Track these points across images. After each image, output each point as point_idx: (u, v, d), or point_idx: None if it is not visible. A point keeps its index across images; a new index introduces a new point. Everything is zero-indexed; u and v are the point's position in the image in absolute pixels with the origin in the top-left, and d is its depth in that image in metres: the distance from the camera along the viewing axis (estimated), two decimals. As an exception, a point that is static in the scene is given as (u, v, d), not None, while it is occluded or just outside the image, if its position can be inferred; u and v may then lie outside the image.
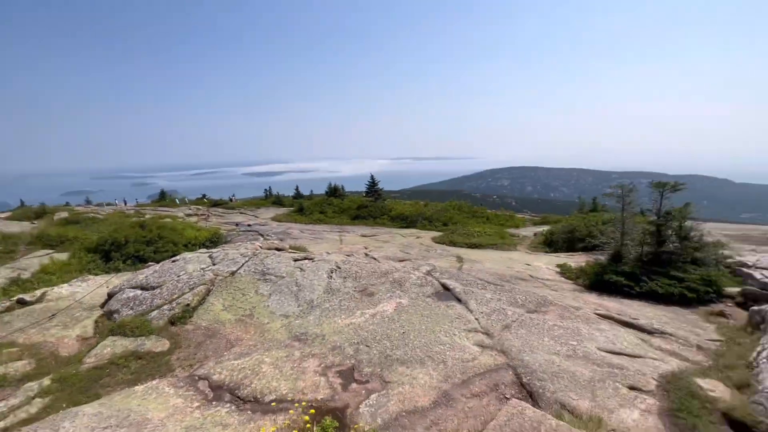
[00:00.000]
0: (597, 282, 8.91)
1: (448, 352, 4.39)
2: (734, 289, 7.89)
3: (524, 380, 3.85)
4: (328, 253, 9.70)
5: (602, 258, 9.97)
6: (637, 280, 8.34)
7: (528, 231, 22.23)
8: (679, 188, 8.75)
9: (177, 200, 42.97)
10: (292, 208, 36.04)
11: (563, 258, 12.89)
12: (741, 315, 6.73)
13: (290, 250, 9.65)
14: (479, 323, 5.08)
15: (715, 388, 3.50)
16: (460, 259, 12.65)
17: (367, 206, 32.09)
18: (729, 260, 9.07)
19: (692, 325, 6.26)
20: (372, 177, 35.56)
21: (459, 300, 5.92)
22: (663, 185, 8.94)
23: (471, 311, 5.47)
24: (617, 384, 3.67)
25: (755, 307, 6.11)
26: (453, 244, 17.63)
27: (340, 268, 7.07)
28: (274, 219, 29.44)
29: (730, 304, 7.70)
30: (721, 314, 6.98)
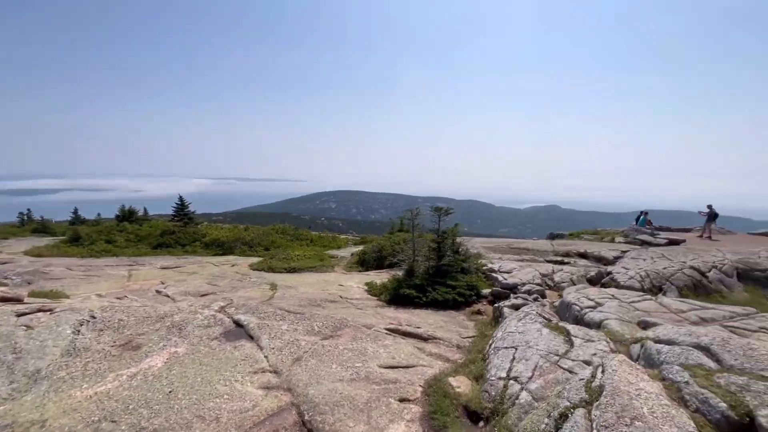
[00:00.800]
0: (395, 296, 9.88)
1: (224, 406, 3.79)
2: (487, 290, 10.07)
3: (306, 417, 3.64)
4: (88, 298, 7.49)
5: (400, 274, 11.22)
6: (424, 291, 9.66)
7: (348, 251, 23.45)
8: (449, 212, 10.74)
9: None
10: (63, 237, 27.70)
11: (372, 276, 13.97)
12: (491, 311, 8.59)
13: (26, 300, 6.98)
14: (268, 361, 4.68)
15: (461, 384, 4.16)
16: (274, 287, 12.03)
17: (174, 232, 27.60)
18: (485, 267, 11.64)
19: (459, 326, 7.56)
20: (181, 198, 30.92)
21: (251, 337, 5.38)
22: (440, 210, 10.80)
23: (261, 348, 5.02)
24: (390, 399, 3.89)
25: (497, 304, 7.85)
26: (271, 269, 16.82)
27: (95, 317, 5.42)
28: (27, 253, 21.80)
29: (485, 303, 9.76)
30: (479, 312, 8.73)
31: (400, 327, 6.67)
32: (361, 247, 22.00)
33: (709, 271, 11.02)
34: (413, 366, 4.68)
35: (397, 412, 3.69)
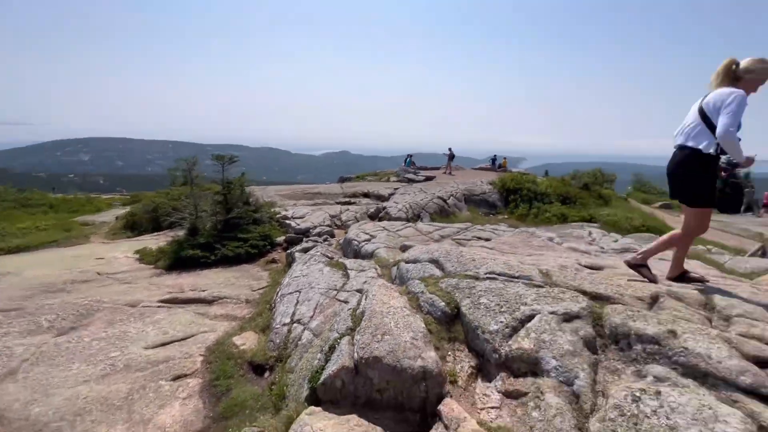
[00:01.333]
0: (176, 260, 8.57)
1: None
2: (282, 238, 10.07)
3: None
4: None
5: (181, 234, 9.76)
6: (212, 249, 8.77)
7: (111, 215, 18.68)
8: (234, 160, 9.80)
9: None
10: None
11: (147, 240, 11.68)
12: (285, 257, 8.66)
13: None
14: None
15: (247, 340, 4.03)
16: (-24, 279, 8.35)
17: None
18: (278, 215, 11.53)
19: (252, 278, 7.30)
20: None
21: None
22: (222, 158, 9.69)
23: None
24: (160, 382, 3.37)
25: (289, 250, 7.95)
26: (-26, 253, 11.61)
27: None
28: None
29: (280, 251, 9.77)
30: (273, 261, 8.67)
31: (180, 295, 5.84)
32: (129, 208, 17.88)
33: (449, 198, 14.48)
34: (192, 335, 4.19)
35: (169, 393, 3.23)
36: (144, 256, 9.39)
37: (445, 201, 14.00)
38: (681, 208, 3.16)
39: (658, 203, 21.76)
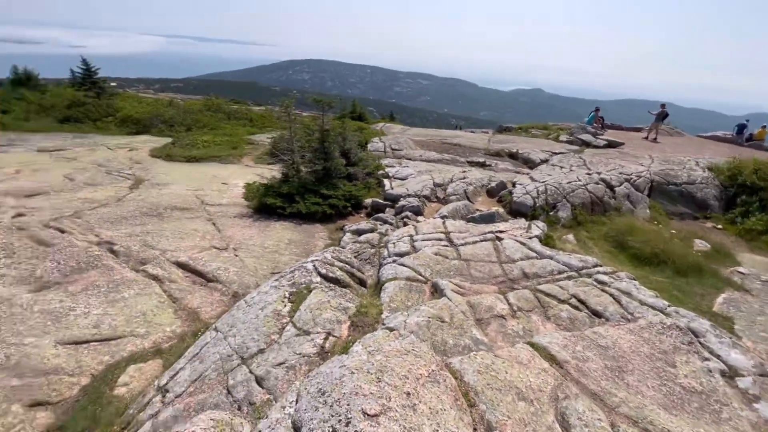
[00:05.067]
0: (262, 205, 8.62)
1: None
2: (369, 200, 8.92)
3: None
4: None
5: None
6: (292, 200, 8.40)
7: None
8: (332, 105, 8.75)
9: None
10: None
11: (271, 171, 12.46)
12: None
13: None
14: None
15: (134, 379, 3.19)
16: (138, 183, 10.47)
17: (85, 104, 23.98)
18: (380, 172, 10.26)
19: (299, 251, 6.55)
20: (84, 61, 26.04)
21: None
22: (320, 101, 8.76)
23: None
24: (13, 406, 2.86)
25: (349, 227, 6.74)
26: (170, 157, 14.87)
27: None
28: None
29: (362, 214, 8.71)
30: (340, 228, 7.70)
31: (197, 261, 5.49)
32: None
33: (621, 185, 10.16)
34: (118, 338, 3.68)
35: (11, 425, 2.72)
36: (248, 191, 9.86)
37: (610, 187, 9.80)
38: None
39: None
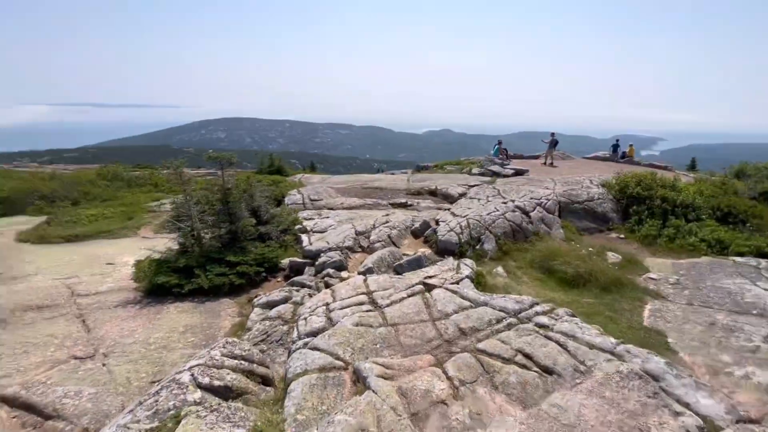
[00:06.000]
0: (153, 286, 7.12)
1: None
2: (286, 261, 7.94)
3: None
4: None
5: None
6: (191, 276, 7.08)
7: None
8: (232, 161, 7.88)
9: None
10: None
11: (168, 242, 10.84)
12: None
13: None
14: None
15: None
16: (-14, 281, 8.22)
17: (-73, 187, 19.60)
18: (297, 226, 9.43)
19: (205, 334, 5.30)
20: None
21: None
22: (218, 158, 7.85)
23: None
24: None
25: (258, 298, 5.68)
26: (43, 239, 12.30)
27: None
28: None
29: (279, 280, 7.66)
30: (250, 300, 6.56)
31: (33, 390, 4.03)
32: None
33: (534, 210, 10.56)
34: None
35: None
36: (138, 270, 8.24)
37: (526, 213, 10.16)
38: None
39: None
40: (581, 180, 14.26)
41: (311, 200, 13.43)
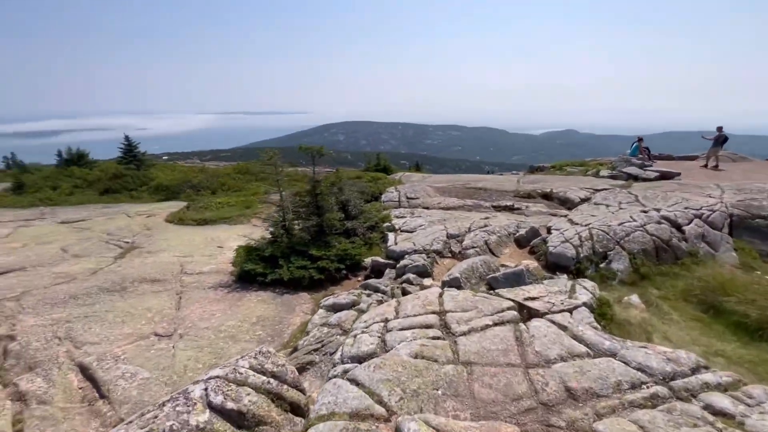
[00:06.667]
0: (242, 272, 7.34)
1: None
2: (369, 259, 7.41)
3: None
4: None
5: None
6: (276, 265, 7.07)
7: (299, 193, 20.81)
8: (322, 153, 7.67)
9: None
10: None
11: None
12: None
13: None
14: None
15: None
16: (126, 252, 9.70)
17: (122, 176, 25.30)
18: (385, 224, 8.82)
19: (273, 329, 5.06)
20: (127, 138, 28.05)
21: None
22: (310, 149, 7.72)
23: None
24: None
25: (326, 300, 5.19)
26: (181, 221, 14.45)
27: None
28: None
29: (360, 279, 7.16)
30: (327, 296, 6.15)
31: (104, 363, 4.15)
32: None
33: (690, 223, 7.97)
34: None
35: None
36: (237, 256, 8.72)
37: (677, 227, 7.66)
38: None
39: None
40: (765, 187, 10.49)
41: (407, 198, 12.80)
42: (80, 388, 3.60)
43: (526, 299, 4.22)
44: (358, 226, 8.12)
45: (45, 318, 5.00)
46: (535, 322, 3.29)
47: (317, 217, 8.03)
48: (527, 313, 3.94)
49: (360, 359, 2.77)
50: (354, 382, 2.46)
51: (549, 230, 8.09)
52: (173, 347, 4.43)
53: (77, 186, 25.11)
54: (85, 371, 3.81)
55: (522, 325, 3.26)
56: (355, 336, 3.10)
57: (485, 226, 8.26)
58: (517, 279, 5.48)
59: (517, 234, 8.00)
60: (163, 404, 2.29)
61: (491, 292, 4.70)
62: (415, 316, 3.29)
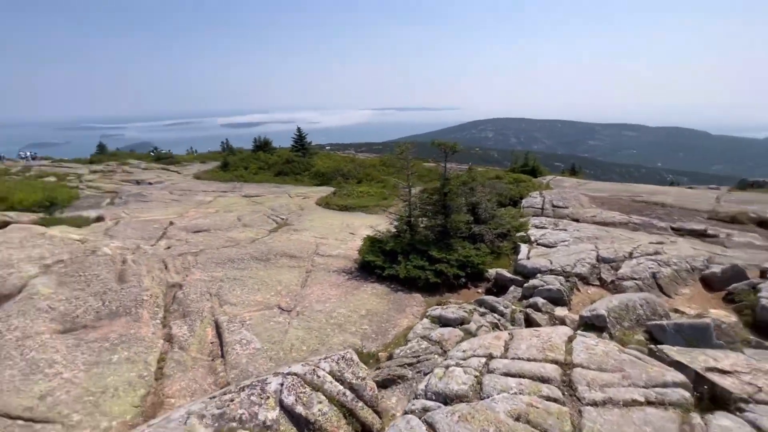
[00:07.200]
0: (363, 262, 7.55)
1: None
2: (493, 271, 6.62)
3: None
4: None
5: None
6: (395, 261, 7.00)
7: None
8: (455, 149, 7.16)
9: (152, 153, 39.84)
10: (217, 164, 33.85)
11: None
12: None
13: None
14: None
15: None
16: (279, 227, 11.24)
17: (292, 162, 30.17)
18: (520, 233, 7.73)
19: (379, 326, 4.98)
20: (299, 130, 33.06)
21: None
22: (442, 144, 7.32)
23: None
24: None
25: (431, 308, 4.77)
26: (327, 205, 16.21)
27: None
28: (195, 177, 27.35)
29: (480, 291, 6.47)
30: (439, 304, 5.72)
31: (232, 324, 4.61)
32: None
33: None
34: (42, 422, 2.84)
35: None
36: (364, 244, 9.07)
37: None
38: None
39: None
40: None
41: (553, 206, 11.15)
42: (211, 343, 4.22)
43: (711, 370, 2.92)
44: (486, 232, 7.37)
45: (207, 274, 6.13)
46: (722, 419, 2.16)
47: (443, 217, 7.63)
48: (709, 394, 2.71)
49: (446, 398, 2.28)
50: (430, 427, 2.01)
51: (764, 273, 5.72)
52: (288, 324, 4.78)
53: (261, 168, 30.82)
54: (218, 328, 4.46)
55: (696, 416, 2.18)
56: (447, 367, 2.60)
57: (656, 253, 6.40)
58: (698, 335, 3.96)
59: (707, 271, 5.92)
60: (242, 389, 2.30)
61: (652, 347, 3.48)
62: (528, 360, 2.55)
